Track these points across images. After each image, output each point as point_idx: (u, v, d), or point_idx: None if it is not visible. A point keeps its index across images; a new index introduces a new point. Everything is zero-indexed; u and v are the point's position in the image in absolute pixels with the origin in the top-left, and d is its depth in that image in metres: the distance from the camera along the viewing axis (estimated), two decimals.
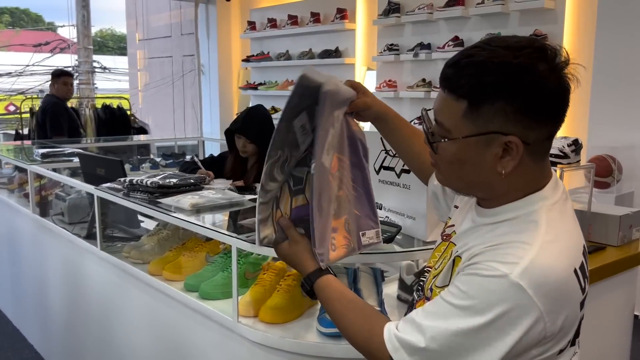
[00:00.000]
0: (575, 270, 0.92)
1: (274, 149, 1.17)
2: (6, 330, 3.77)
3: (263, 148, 2.70)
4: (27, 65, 14.11)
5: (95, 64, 12.51)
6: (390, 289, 2.02)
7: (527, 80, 0.89)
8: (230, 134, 2.80)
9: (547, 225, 0.92)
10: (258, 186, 1.22)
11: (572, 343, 0.98)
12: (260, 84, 7.12)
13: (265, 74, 7.18)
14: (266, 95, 7.01)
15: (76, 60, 12.33)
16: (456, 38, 4.95)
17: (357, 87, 1.28)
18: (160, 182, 2.19)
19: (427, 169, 1.31)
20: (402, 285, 1.96)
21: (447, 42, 5.01)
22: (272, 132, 2.98)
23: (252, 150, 2.74)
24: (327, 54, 6.27)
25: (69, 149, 3.84)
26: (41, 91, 12.17)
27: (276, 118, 1.21)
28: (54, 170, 3.25)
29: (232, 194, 2.26)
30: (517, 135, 0.91)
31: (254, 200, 2.22)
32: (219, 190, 2.36)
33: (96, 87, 12.51)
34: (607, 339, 2.21)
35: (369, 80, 6.07)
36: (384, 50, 5.58)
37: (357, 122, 1.29)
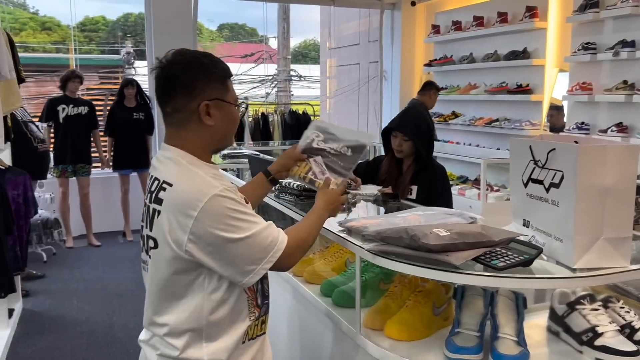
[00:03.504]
0: None
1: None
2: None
3: (419, 146, 2.60)
4: (236, 75, 15.67)
5: (292, 73, 13.42)
6: (541, 319, 1.79)
7: None
8: (386, 134, 2.74)
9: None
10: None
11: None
12: (442, 88, 6.91)
13: (448, 78, 6.97)
14: (447, 100, 6.80)
15: (276, 69, 13.36)
16: None
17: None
18: (306, 185, 2.21)
19: None
20: (553, 315, 1.73)
21: None
22: (429, 131, 2.79)
23: (408, 149, 2.63)
24: (513, 55, 5.86)
25: (247, 151, 4.13)
26: (246, 97, 13.37)
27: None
28: (227, 169, 3.52)
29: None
30: None
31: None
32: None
33: (292, 94, 13.40)
34: None
35: (560, 83, 5.53)
36: (579, 50, 5.02)
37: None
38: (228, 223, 1.29)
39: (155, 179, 1.39)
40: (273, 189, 2.34)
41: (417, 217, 1.79)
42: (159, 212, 1.34)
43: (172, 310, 1.38)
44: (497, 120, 6.11)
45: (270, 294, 2.44)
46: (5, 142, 3.52)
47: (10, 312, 3.81)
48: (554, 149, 1.48)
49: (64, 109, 5.62)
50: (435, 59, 7.15)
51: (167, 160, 1.40)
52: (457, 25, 6.73)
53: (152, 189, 1.39)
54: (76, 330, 3.82)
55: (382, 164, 2.79)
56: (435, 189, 2.62)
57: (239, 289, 1.40)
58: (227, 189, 1.32)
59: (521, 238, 1.57)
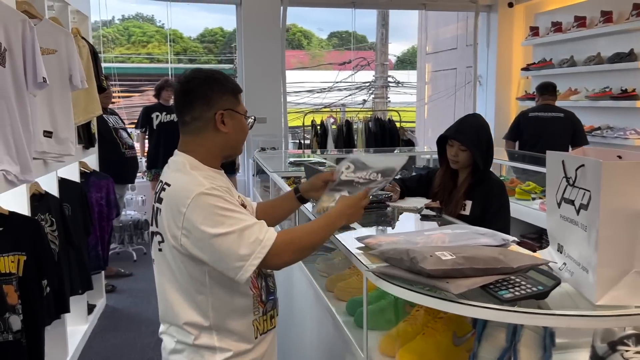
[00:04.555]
0: None
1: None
2: None
3: (477, 157, 2.39)
4: (336, 82, 15.76)
5: (390, 79, 13.26)
6: (583, 356, 1.57)
7: None
8: (442, 143, 2.55)
9: None
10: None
11: None
12: None
13: None
14: None
15: (373, 76, 13.27)
16: None
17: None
18: None
19: None
20: (594, 354, 1.50)
21: None
22: (489, 140, 2.56)
23: (465, 160, 2.42)
24: (618, 57, 5.34)
25: (315, 158, 4.10)
26: (343, 105, 13.41)
27: None
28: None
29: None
30: None
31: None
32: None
33: (389, 101, 13.23)
34: None
35: None
36: None
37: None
38: (212, 219, 1.38)
39: (160, 181, 1.56)
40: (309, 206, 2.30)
41: (442, 236, 1.64)
42: (160, 210, 1.49)
43: (180, 302, 1.50)
44: (598, 128, 5.59)
45: (303, 301, 2.41)
46: (88, 148, 3.75)
47: (92, 308, 4.06)
48: (582, 165, 1.28)
49: (157, 116, 5.93)
50: (534, 63, 6.72)
51: (173, 164, 1.56)
52: (557, 27, 6.27)
53: (157, 190, 1.55)
54: (149, 329, 3.98)
55: (435, 175, 2.62)
56: (491, 206, 2.40)
57: (243, 287, 1.49)
58: (214, 188, 1.42)
59: (550, 265, 1.39)
